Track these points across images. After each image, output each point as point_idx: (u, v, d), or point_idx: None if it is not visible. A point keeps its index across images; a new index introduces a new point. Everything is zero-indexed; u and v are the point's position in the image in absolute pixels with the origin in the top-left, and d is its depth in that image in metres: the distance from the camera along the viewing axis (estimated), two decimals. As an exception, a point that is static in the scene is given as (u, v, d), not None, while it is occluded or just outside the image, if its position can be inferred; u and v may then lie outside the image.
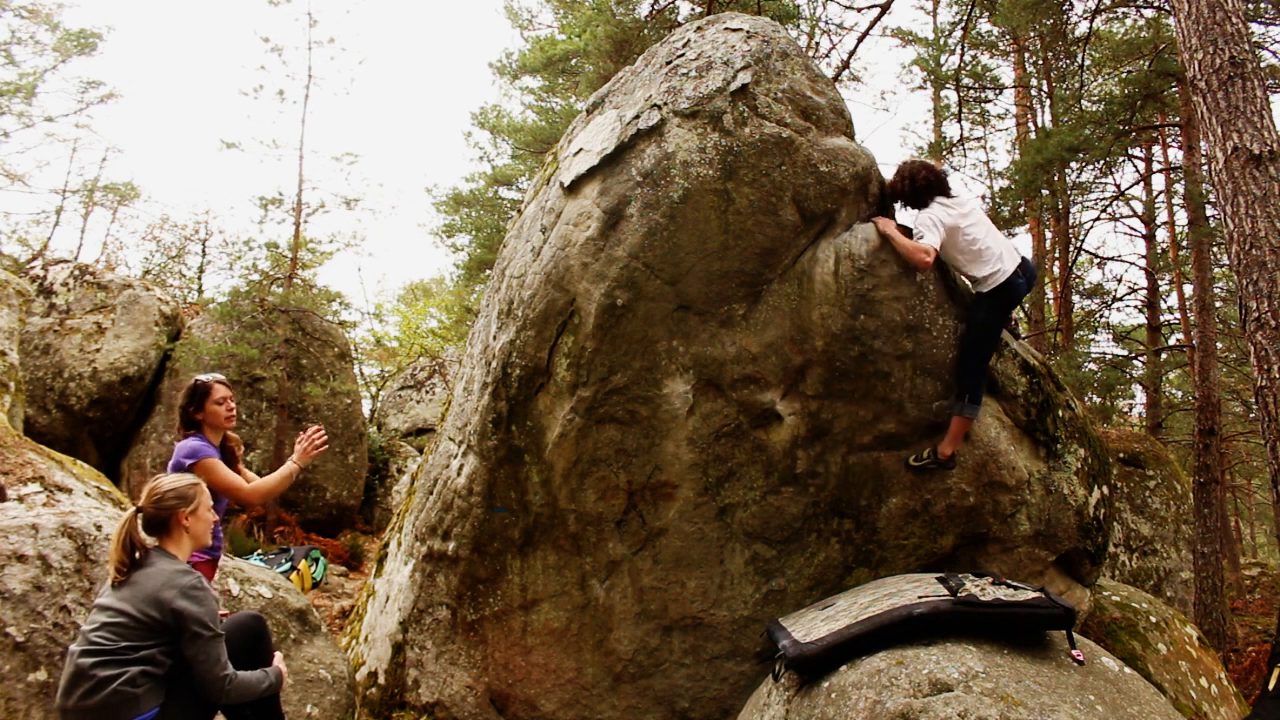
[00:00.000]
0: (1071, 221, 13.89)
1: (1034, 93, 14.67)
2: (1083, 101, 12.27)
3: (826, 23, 11.43)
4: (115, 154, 25.73)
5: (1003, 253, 4.02)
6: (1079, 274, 15.05)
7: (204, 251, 17.74)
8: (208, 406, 3.64)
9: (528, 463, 4.26)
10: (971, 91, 13.74)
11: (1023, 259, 4.03)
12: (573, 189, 4.09)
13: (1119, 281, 14.79)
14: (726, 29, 4.28)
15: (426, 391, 15.65)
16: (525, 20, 16.11)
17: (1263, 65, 7.35)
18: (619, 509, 4.23)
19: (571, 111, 14.44)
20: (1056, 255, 14.15)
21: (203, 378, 3.69)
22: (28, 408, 8.91)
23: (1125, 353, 14.26)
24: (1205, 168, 9.71)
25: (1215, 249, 11.19)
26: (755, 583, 4.20)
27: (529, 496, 4.30)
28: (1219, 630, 8.59)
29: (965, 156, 15.67)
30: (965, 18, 12.19)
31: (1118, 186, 13.68)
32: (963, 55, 12.47)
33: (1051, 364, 4.98)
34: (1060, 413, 4.37)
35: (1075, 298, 14.36)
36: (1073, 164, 11.86)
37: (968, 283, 4.18)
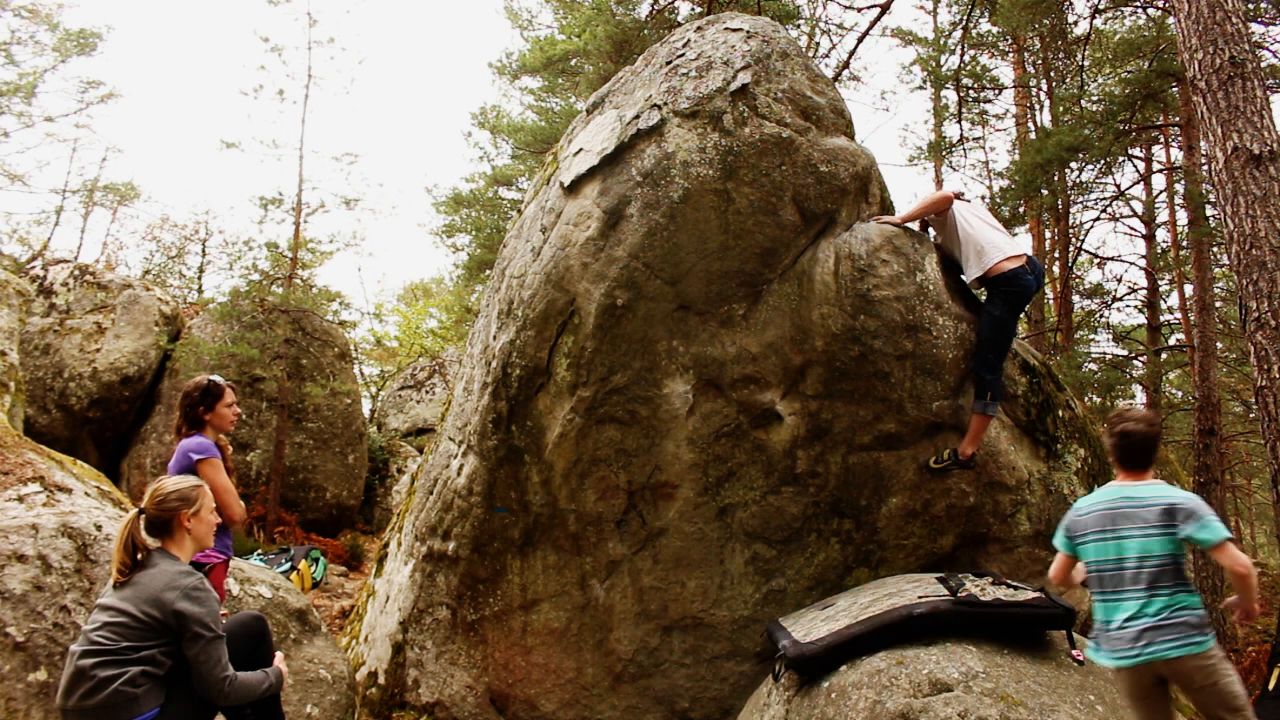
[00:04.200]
0: (1071, 221, 13.88)
1: (1034, 93, 14.67)
2: (1083, 101, 12.26)
3: (826, 23, 11.43)
4: (115, 154, 25.73)
5: (999, 242, 4.05)
6: (1079, 274, 15.03)
7: (204, 251, 17.73)
8: (218, 408, 3.66)
9: (528, 463, 4.26)
10: (971, 91, 13.73)
11: (1028, 257, 4.04)
12: (573, 189, 4.09)
13: (1119, 281, 14.76)
14: (726, 29, 4.29)
15: (426, 391, 15.65)
16: (525, 20, 16.09)
17: (1263, 65, 7.35)
18: (619, 509, 4.23)
19: (571, 111, 14.44)
20: (1056, 255, 14.14)
21: (215, 379, 3.70)
22: (28, 408, 8.91)
23: (1125, 353, 14.25)
24: (1205, 168, 9.71)
25: (1215, 249, 11.17)
26: (755, 583, 4.20)
27: (529, 496, 4.30)
28: (1219, 630, 8.58)
29: (965, 156, 15.66)
30: (965, 18, 12.19)
31: (1118, 186, 13.67)
32: (963, 55, 12.46)
33: (1051, 364, 4.99)
34: (1060, 413, 4.37)
35: (1075, 298, 14.35)
36: (1073, 164, 11.85)
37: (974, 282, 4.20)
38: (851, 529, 4.19)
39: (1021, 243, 4.43)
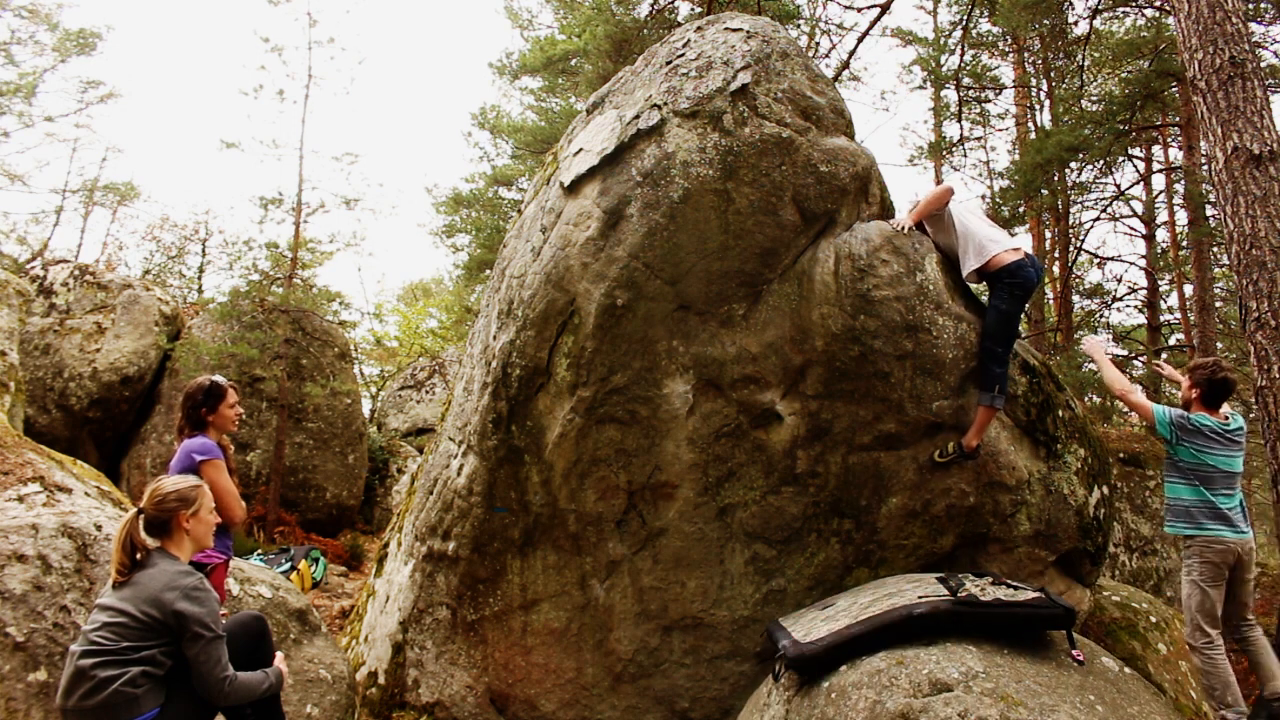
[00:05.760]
0: (1071, 221, 13.88)
1: (1034, 93, 14.67)
2: (1083, 101, 12.27)
3: (826, 23, 11.43)
4: (115, 154, 25.71)
5: (997, 237, 4.11)
6: (1079, 274, 15.03)
7: (204, 251, 17.73)
8: (221, 409, 3.66)
9: (528, 463, 4.26)
10: (971, 91, 13.74)
11: (1027, 253, 4.07)
12: (573, 189, 4.09)
13: (1119, 281, 14.77)
14: (726, 29, 4.29)
15: (426, 391, 15.65)
16: (525, 20, 16.10)
17: (1263, 65, 7.35)
18: (619, 509, 4.23)
19: (571, 111, 14.44)
20: (1056, 255, 14.14)
21: (217, 379, 3.70)
22: (28, 408, 8.91)
23: (1125, 353, 14.25)
24: (1205, 168, 9.71)
25: (1215, 249, 11.18)
26: (755, 583, 4.20)
27: (529, 496, 4.30)
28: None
29: (965, 156, 15.67)
30: (965, 18, 12.19)
31: (1118, 186, 13.67)
32: (963, 55, 12.47)
33: (1051, 364, 4.99)
34: (1060, 413, 4.37)
35: (1075, 298, 14.35)
36: (1073, 164, 11.86)
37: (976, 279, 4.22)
38: (851, 529, 4.19)
39: (1021, 241, 4.48)
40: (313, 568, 8.38)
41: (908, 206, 4.42)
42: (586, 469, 4.18)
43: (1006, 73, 15.20)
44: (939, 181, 15.54)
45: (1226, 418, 3.95)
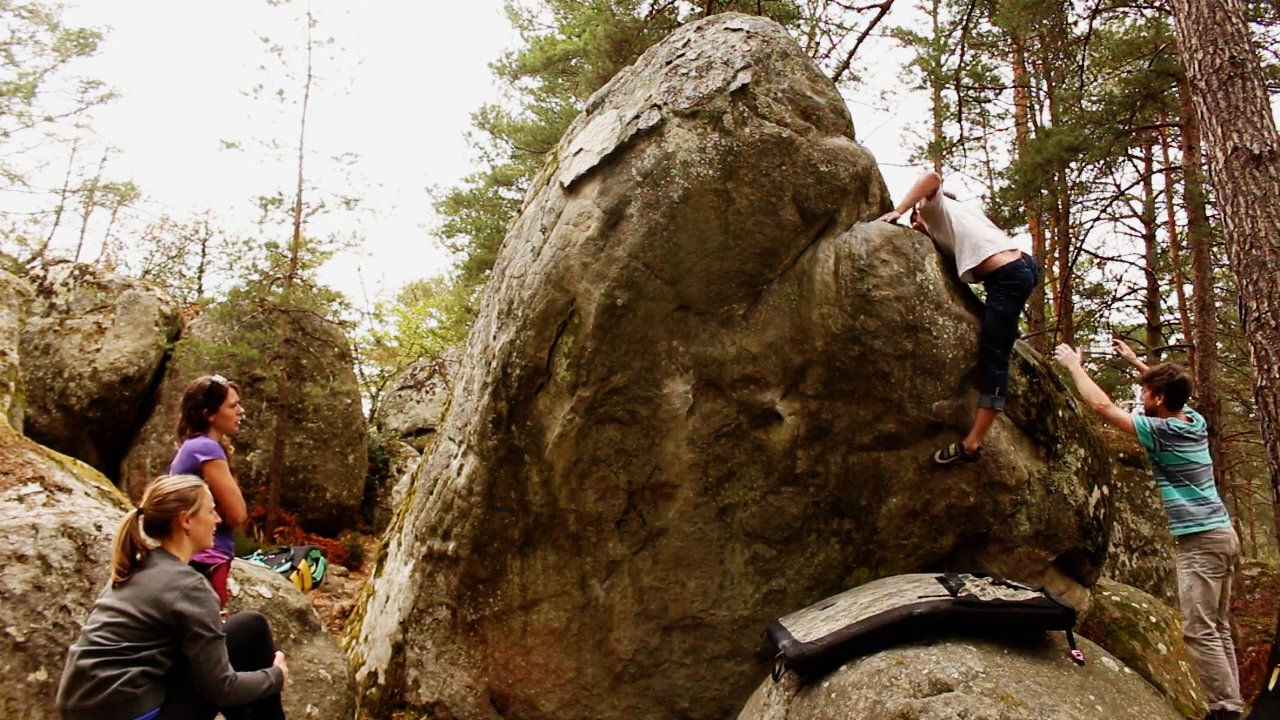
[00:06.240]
0: (1071, 221, 13.88)
1: (1034, 93, 14.67)
2: (1083, 101, 12.27)
3: (826, 23, 11.42)
4: (115, 154, 25.70)
5: (994, 237, 4.09)
6: (1079, 274, 15.02)
7: (204, 251, 17.72)
8: (222, 409, 3.66)
9: (528, 463, 4.26)
10: (971, 91, 13.74)
11: (1023, 253, 4.06)
12: (573, 189, 4.09)
13: (1119, 281, 14.77)
14: (726, 29, 4.29)
15: (426, 391, 15.65)
16: (525, 20, 16.10)
17: (1263, 65, 7.35)
18: (619, 509, 4.23)
19: (571, 111, 14.44)
20: (1056, 255, 14.14)
21: (218, 379, 3.70)
22: (28, 408, 8.91)
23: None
24: (1205, 168, 9.71)
25: (1215, 249, 11.18)
26: (755, 583, 4.20)
27: (529, 496, 4.30)
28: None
29: (965, 156, 15.67)
30: (965, 18, 12.19)
31: (1118, 186, 13.68)
32: (963, 55, 12.47)
33: (1051, 364, 4.99)
34: (1060, 413, 4.37)
35: (1075, 298, 14.35)
36: (1073, 164, 11.86)
37: (974, 282, 4.21)
38: (851, 529, 4.19)
39: (1018, 241, 4.46)
40: (313, 568, 8.38)
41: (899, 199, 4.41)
42: (586, 469, 4.18)
43: (1006, 73, 15.21)
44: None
45: (1190, 419, 4.07)
